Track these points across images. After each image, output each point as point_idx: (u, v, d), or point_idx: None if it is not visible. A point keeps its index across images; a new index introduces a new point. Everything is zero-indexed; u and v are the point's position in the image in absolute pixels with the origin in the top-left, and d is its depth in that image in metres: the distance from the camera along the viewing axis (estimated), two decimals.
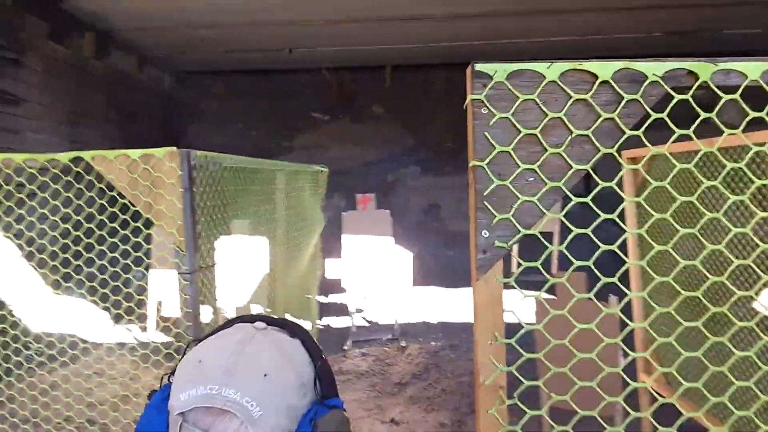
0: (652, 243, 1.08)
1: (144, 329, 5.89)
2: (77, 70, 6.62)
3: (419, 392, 4.78)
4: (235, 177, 2.35)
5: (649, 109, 0.92)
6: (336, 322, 6.41)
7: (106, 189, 1.78)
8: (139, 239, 1.95)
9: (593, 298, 1.09)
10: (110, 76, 7.39)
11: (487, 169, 0.90)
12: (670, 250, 1.02)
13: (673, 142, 0.94)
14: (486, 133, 0.91)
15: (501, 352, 1.03)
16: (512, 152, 0.89)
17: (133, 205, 1.69)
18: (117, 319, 6.51)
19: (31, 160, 1.70)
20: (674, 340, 1.12)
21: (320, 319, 5.94)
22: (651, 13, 6.63)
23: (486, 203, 0.91)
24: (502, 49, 7.98)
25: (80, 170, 1.71)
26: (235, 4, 6.26)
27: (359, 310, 6.09)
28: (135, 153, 1.66)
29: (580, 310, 1.34)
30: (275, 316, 0.91)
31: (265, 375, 0.79)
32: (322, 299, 6.12)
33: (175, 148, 1.65)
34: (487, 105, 0.91)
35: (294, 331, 0.89)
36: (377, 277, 5.32)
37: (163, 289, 5.75)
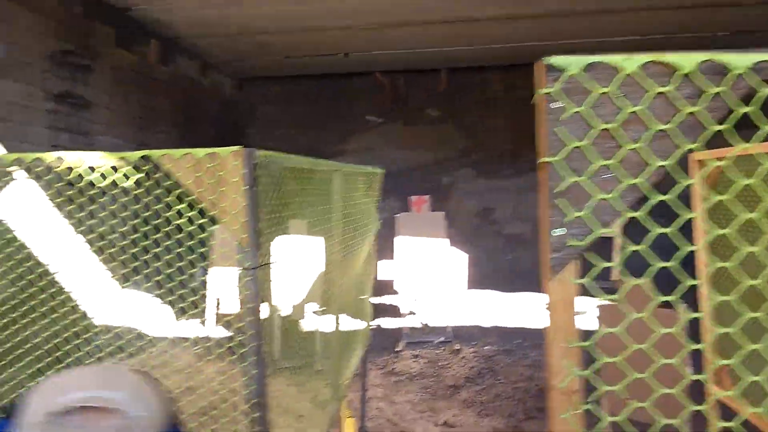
0: (735, 247, 1.03)
1: (204, 324, 6.05)
2: (143, 76, 6.88)
3: (473, 396, 4.72)
4: (293, 177, 2.38)
5: (732, 105, 0.88)
6: (388, 323, 6.41)
7: (170, 189, 1.83)
8: (202, 237, 2.00)
9: (663, 304, 1.05)
10: (174, 81, 7.65)
11: (559, 166, 0.88)
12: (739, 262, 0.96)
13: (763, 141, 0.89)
14: (557, 129, 0.88)
15: (575, 355, 1.00)
16: (587, 148, 0.86)
17: (198, 203, 1.73)
18: (180, 314, 6.73)
19: (102, 158, 1.77)
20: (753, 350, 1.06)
21: (373, 320, 5.96)
22: (715, 11, 6.36)
23: (558, 201, 0.89)
24: (559, 49, 7.81)
25: (147, 170, 1.77)
26: (294, 11, 6.38)
27: (412, 312, 6.07)
28: (200, 152, 1.69)
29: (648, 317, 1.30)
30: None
31: None
32: (375, 300, 6.13)
33: (239, 147, 1.68)
34: (559, 100, 0.89)
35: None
36: (431, 279, 5.29)
37: (223, 285, 5.89)
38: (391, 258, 5.66)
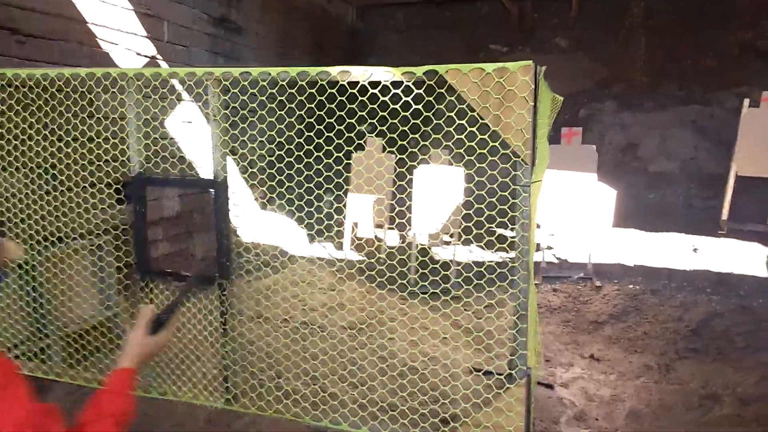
0: None
1: (340, 247, 6.32)
2: (284, 2, 6.97)
3: (618, 333, 4.71)
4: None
5: None
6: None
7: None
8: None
9: None
10: (308, 8, 7.72)
11: None
12: None
13: None
14: None
15: None
16: None
17: (480, 118, 1.76)
18: (317, 235, 7.04)
19: (386, 72, 1.82)
20: None
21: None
22: None
23: None
24: None
25: (433, 82, 1.80)
26: None
27: (549, 247, 6.05)
28: (489, 66, 1.71)
29: None
30: None
31: None
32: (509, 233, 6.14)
33: (529, 62, 1.69)
34: None
35: None
36: (576, 214, 5.22)
37: (360, 211, 6.09)
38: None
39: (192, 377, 2.45)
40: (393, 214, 6.12)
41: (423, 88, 1.84)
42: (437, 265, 4.75)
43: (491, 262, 5.81)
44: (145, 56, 4.65)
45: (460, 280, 5.52)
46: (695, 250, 5.73)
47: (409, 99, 1.86)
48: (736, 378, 4.01)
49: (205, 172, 5.04)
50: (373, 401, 3.53)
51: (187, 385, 2.48)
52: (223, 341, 2.09)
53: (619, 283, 5.52)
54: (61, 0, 3.85)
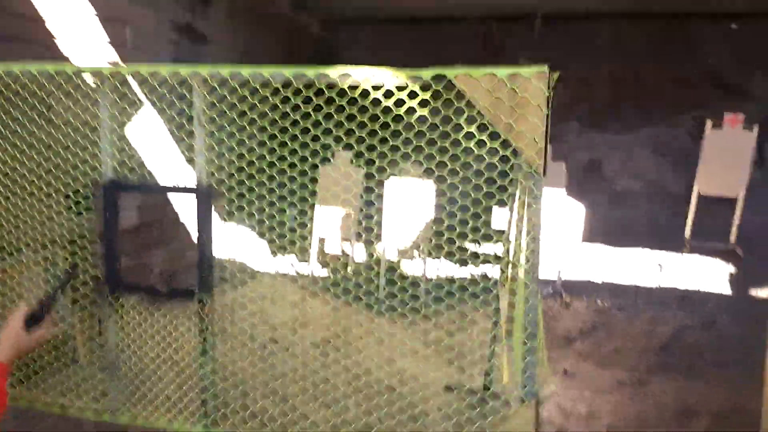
0: None
1: (306, 262, 6.15)
2: (250, 12, 6.82)
3: (590, 348, 4.71)
4: None
5: None
6: (493, 271, 6.36)
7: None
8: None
9: None
10: (275, 18, 7.59)
11: None
12: None
13: None
14: None
15: None
16: None
17: (492, 126, 1.69)
18: (281, 250, 6.84)
19: (393, 76, 1.73)
20: None
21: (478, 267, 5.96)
22: None
23: None
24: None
25: (440, 88, 1.72)
26: None
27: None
28: (502, 72, 1.64)
29: None
30: None
31: None
32: (476, 248, 6.11)
33: (543, 68, 1.62)
34: None
35: None
36: (546, 229, 5.22)
37: (327, 226, 5.95)
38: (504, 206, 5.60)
39: (165, 401, 2.26)
40: (361, 229, 6.01)
41: (429, 94, 1.75)
42: (406, 282, 4.65)
43: (464, 278, 5.73)
44: (107, 63, 4.43)
45: (429, 298, 5.44)
46: (660, 267, 5.82)
47: (414, 104, 1.76)
48: (708, 393, 4.04)
49: (168, 179, 4.81)
50: (347, 421, 3.41)
51: (160, 409, 2.29)
52: (201, 361, 1.92)
53: (588, 299, 5.54)
54: (20, 0, 3.62)
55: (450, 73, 1.69)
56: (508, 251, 3.93)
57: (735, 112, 5.70)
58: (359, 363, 4.32)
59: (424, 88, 1.71)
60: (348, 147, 6.36)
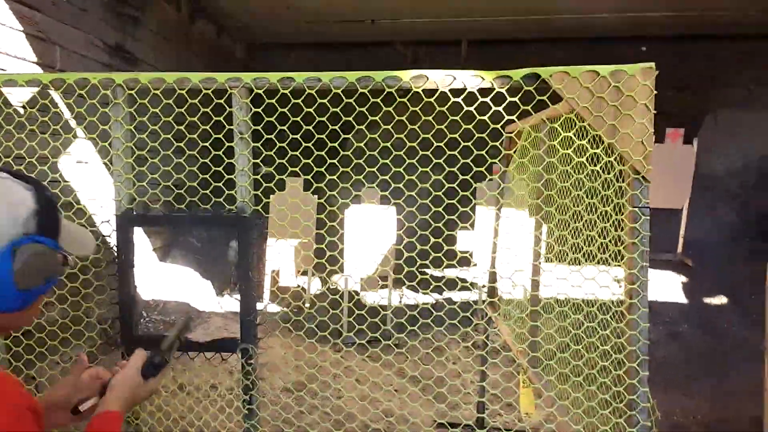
0: None
1: (259, 299, 5.71)
2: (179, 33, 6.41)
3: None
4: None
5: None
6: (465, 295, 6.17)
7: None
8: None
9: None
10: (201, 40, 7.20)
11: None
12: None
13: None
14: None
15: None
16: None
17: (592, 129, 1.52)
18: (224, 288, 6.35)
19: (475, 76, 1.52)
20: None
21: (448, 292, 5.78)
22: None
23: None
24: (600, 24, 7.77)
25: (531, 88, 1.53)
26: None
27: (486, 285, 5.87)
28: (605, 69, 1.47)
29: None
30: (24, 172, 1.13)
31: None
32: (452, 272, 5.94)
33: (650, 64, 1.47)
34: None
35: (30, 182, 1.11)
36: (511, 249, 5.15)
37: (280, 257, 5.57)
38: (471, 228, 5.49)
39: None
40: (321, 260, 5.68)
41: (519, 96, 1.56)
42: (374, 316, 4.38)
43: (439, 307, 5.52)
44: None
45: (403, 335, 5.19)
46: (617, 281, 5.92)
47: (500, 109, 1.56)
48: (691, 405, 4.05)
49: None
50: None
51: None
52: (248, 425, 1.57)
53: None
54: None
55: (544, 71, 1.50)
56: (494, 275, 3.80)
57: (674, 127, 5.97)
58: (341, 407, 3.98)
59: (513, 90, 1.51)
60: (296, 174, 6.05)
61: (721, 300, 5.29)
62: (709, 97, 7.39)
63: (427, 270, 6.26)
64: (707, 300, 5.31)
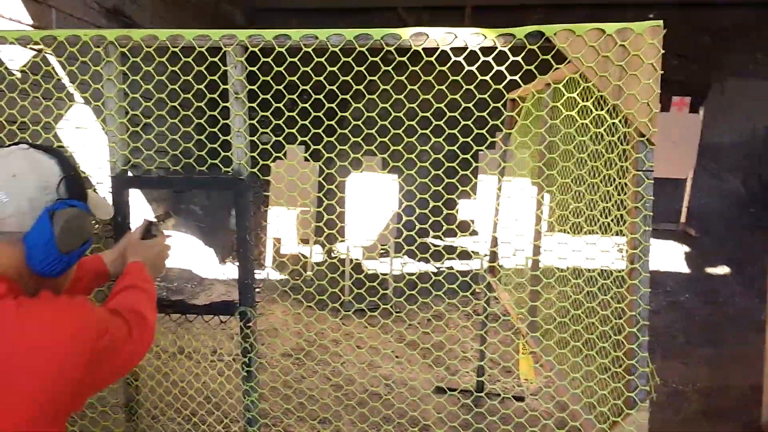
0: None
1: (261, 266, 5.73)
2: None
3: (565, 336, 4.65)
4: None
5: None
6: (465, 264, 6.16)
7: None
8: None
9: None
10: (199, 6, 7.09)
11: None
12: None
13: None
14: None
15: None
16: None
17: (597, 90, 1.48)
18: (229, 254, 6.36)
19: (475, 34, 1.48)
20: None
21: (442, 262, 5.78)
22: None
23: None
24: None
25: (536, 46, 1.48)
26: None
27: (488, 254, 5.86)
28: (611, 27, 1.43)
29: None
30: (45, 145, 1.20)
31: (13, 175, 1.09)
32: (452, 241, 5.92)
33: (658, 22, 1.43)
34: None
35: (51, 152, 1.17)
36: (514, 219, 5.12)
37: (282, 226, 5.56)
38: (473, 193, 5.46)
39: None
40: (320, 223, 5.67)
41: (521, 55, 1.51)
42: (374, 282, 4.39)
43: (439, 274, 5.53)
44: (33, 48, 3.84)
45: (402, 298, 5.20)
46: (620, 250, 5.91)
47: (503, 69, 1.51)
48: (689, 373, 4.08)
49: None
50: None
51: None
52: (247, 387, 1.57)
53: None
54: None
55: (549, 29, 1.45)
56: (495, 242, 3.78)
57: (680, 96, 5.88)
58: (340, 370, 4.02)
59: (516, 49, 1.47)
60: (295, 141, 5.99)
61: (723, 270, 5.28)
62: (715, 66, 7.27)
63: (427, 238, 6.25)
64: (709, 270, 5.30)
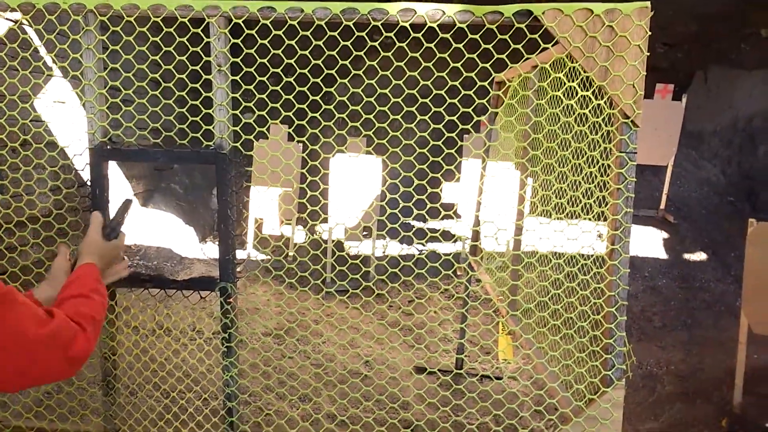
0: None
1: (242, 246, 5.70)
2: None
3: (544, 318, 4.71)
4: None
5: None
6: (447, 247, 6.19)
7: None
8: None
9: None
10: None
11: None
12: None
13: None
14: None
15: None
16: None
17: (583, 71, 1.48)
18: (209, 233, 6.32)
19: (461, 12, 1.47)
20: None
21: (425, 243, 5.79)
22: None
23: None
24: None
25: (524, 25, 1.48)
26: None
27: (470, 238, 5.88)
28: (599, 7, 1.42)
29: None
30: None
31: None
32: (436, 224, 5.92)
33: (646, 3, 1.43)
34: None
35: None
36: (496, 203, 5.15)
37: (264, 206, 5.53)
38: (457, 180, 5.46)
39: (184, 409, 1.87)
40: (304, 204, 5.64)
41: (509, 34, 1.50)
42: (357, 261, 4.39)
43: (420, 254, 5.54)
44: (8, 19, 3.73)
45: (384, 276, 5.21)
46: (600, 235, 5.97)
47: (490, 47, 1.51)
48: (664, 356, 4.16)
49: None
50: (328, 415, 3.14)
51: (172, 424, 1.90)
52: (226, 363, 1.57)
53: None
54: None
55: (537, 8, 1.44)
56: (478, 222, 3.80)
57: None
58: (319, 348, 4.03)
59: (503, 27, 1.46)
60: (285, 120, 5.93)
61: (700, 256, 5.37)
62: (699, 55, 7.31)
63: (409, 218, 6.27)
64: (687, 256, 5.38)
